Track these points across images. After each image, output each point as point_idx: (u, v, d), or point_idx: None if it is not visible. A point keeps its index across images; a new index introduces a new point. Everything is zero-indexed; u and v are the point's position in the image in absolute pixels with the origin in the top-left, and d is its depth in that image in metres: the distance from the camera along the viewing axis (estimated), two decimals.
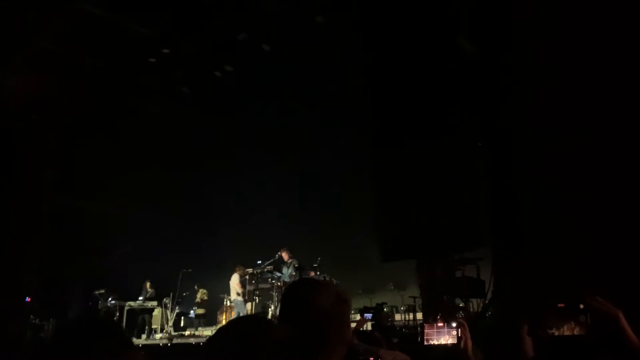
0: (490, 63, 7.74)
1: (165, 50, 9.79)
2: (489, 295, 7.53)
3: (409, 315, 9.95)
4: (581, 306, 1.48)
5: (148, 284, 12.45)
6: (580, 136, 6.29)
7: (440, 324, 2.30)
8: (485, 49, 7.77)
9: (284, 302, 1.85)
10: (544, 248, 6.16)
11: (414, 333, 7.31)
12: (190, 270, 11.88)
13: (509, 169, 7.36)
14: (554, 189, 6.34)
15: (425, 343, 2.29)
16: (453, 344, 2.21)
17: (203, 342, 9.76)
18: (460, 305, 8.17)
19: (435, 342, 2.26)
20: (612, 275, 5.07)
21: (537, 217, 6.51)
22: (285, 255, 11.46)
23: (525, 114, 7.11)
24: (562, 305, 1.52)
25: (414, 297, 9.65)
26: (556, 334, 1.51)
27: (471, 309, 8.04)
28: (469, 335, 2.22)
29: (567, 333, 1.49)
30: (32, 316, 10.69)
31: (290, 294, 1.86)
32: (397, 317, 10.32)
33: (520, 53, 7.21)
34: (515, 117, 7.30)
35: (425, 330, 2.31)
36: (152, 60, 9.91)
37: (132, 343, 1.71)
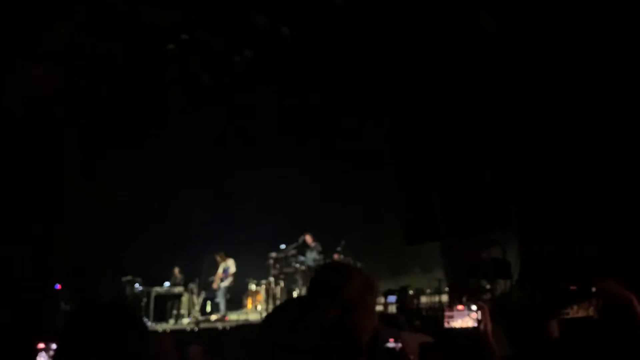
0: (518, 43, 7.57)
1: (184, 37, 9.79)
2: (515, 277, 7.44)
3: (435, 297, 9.89)
4: (593, 289, 1.47)
5: (177, 270, 12.59)
6: (614, 120, 6.11)
7: (460, 307, 2.28)
8: (509, 28, 7.60)
9: (313, 285, 1.81)
10: (571, 231, 6.05)
11: (438, 315, 7.27)
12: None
13: (536, 150, 7.22)
14: (582, 173, 6.19)
15: (446, 325, 2.29)
16: (473, 327, 2.20)
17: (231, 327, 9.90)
18: (487, 287, 8.09)
19: (456, 325, 2.25)
20: (633, 261, 4.95)
21: (565, 200, 6.38)
22: (308, 239, 11.48)
23: (556, 91, 6.94)
24: (574, 287, 1.51)
25: (439, 280, 9.59)
26: (569, 315, 1.51)
27: (497, 291, 7.95)
28: (489, 318, 2.21)
29: (579, 315, 1.48)
30: (63, 303, 10.91)
31: (321, 278, 1.83)
32: (424, 299, 10.26)
33: (550, 33, 7.02)
34: (545, 94, 7.13)
35: (446, 314, 2.31)
36: (171, 46, 9.92)
37: (147, 330, 1.68)
